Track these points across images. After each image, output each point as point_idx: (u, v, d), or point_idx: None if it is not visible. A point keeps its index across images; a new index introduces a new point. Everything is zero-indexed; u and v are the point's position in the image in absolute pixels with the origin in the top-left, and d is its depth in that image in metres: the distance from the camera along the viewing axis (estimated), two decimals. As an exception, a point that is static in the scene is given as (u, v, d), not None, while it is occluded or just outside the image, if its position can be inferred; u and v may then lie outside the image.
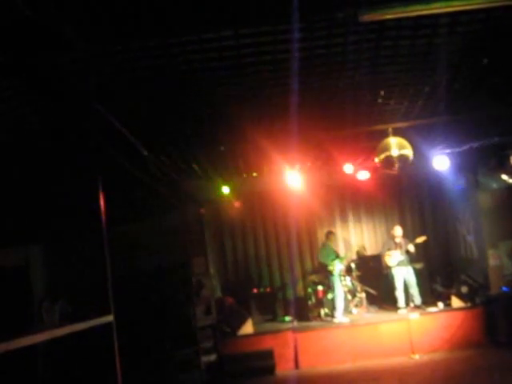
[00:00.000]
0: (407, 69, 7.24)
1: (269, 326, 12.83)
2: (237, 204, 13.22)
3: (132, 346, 7.43)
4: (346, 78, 7.28)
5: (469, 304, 11.87)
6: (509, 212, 11.88)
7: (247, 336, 11.67)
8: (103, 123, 6.62)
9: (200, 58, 6.21)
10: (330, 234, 13.14)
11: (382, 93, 7.90)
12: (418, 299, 12.39)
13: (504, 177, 10.98)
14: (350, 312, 12.99)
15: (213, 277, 12.12)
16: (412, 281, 12.45)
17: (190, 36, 5.66)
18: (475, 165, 11.90)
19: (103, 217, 6.30)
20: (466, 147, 10.38)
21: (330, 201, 14.67)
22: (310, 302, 13.22)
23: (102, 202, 6.33)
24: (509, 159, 10.25)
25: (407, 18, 5.75)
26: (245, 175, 11.23)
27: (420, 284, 12.62)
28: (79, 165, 6.22)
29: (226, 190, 11.62)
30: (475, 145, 10.22)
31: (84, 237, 6.22)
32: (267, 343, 11.41)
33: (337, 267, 12.44)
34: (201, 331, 10.23)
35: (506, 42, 6.69)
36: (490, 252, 12.12)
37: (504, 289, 11.72)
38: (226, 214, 14.44)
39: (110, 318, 6.15)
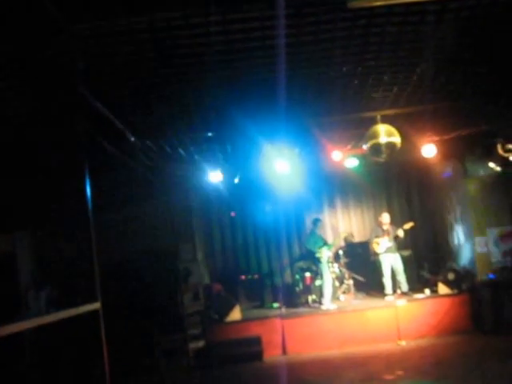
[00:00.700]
0: (396, 56, 7.22)
1: (256, 312, 12.85)
2: (225, 189, 13.18)
3: (119, 333, 7.42)
4: (334, 64, 7.25)
5: (455, 291, 11.94)
6: (496, 200, 11.94)
7: (235, 322, 11.69)
8: (89, 108, 6.57)
9: (188, 43, 6.15)
10: (317, 221, 13.15)
11: (371, 80, 7.88)
12: (405, 286, 12.45)
13: (491, 165, 11.03)
14: (338, 299, 13.04)
15: (201, 263, 12.11)
16: (399, 268, 12.51)
17: (177, 20, 5.61)
18: (463, 152, 11.93)
19: (90, 203, 6.27)
20: (453, 135, 10.40)
21: (318, 188, 14.66)
22: (297, 289, 13.26)
23: (88, 188, 6.30)
24: (496, 147, 10.28)
25: (396, 5, 5.72)
26: (233, 161, 11.18)
27: (407, 271, 12.69)
28: (66, 151, 6.17)
29: (214, 175, 11.57)
30: (463, 133, 10.24)
31: (71, 223, 6.20)
32: (255, 330, 11.43)
33: (325, 254, 12.46)
34: (188, 318, 10.23)
35: (495, 30, 6.68)
36: (477, 239, 12.19)
37: (490, 276, 11.80)
38: (214, 200, 14.41)
39: (96, 305, 6.14)
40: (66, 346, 5.66)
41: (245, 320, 11.87)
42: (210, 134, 9.41)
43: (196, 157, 10.47)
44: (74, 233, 6.17)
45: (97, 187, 6.54)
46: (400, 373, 9.01)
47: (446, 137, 10.56)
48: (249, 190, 13.90)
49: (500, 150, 10.22)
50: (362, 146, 10.02)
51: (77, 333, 5.85)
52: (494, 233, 12.08)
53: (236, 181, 11.58)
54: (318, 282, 12.79)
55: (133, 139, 8.14)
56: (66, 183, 6.08)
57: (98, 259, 6.21)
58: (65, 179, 6.13)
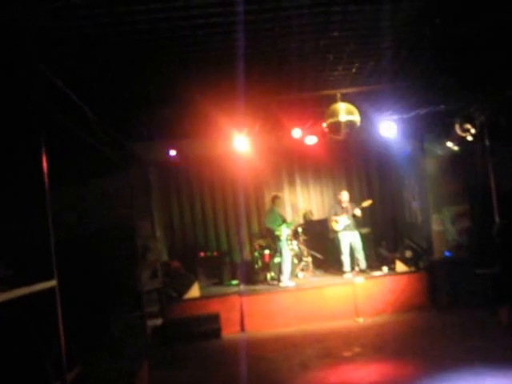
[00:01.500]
0: (356, 35, 7.18)
1: (215, 289, 12.84)
2: (184, 167, 13.08)
3: (75, 311, 7.32)
4: (294, 42, 7.18)
5: (412, 268, 12.11)
6: (453, 178, 12.09)
7: (193, 300, 11.66)
8: (47, 84, 6.40)
9: (146, 18, 6.02)
10: (276, 199, 13.12)
11: (331, 57, 7.83)
12: (363, 263, 12.57)
13: (449, 144, 11.13)
14: (296, 276, 13.11)
15: (159, 240, 12.02)
16: (358, 245, 12.62)
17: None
18: (421, 132, 12.04)
19: (46, 178, 6.13)
20: (412, 114, 10.46)
21: (277, 165, 14.69)
22: (256, 266, 13.30)
23: (44, 164, 6.16)
24: (454, 127, 10.37)
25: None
26: (192, 138, 11.07)
27: (366, 248, 12.81)
28: (21, 125, 6.01)
29: (172, 152, 11.45)
30: (422, 112, 10.30)
31: (26, 198, 6.05)
32: (213, 307, 11.43)
33: (284, 232, 12.48)
34: (146, 295, 10.14)
35: (455, 8, 6.69)
36: (434, 217, 12.36)
37: (446, 254, 11.99)
38: (173, 177, 14.33)
39: (53, 282, 6.03)
40: (20, 324, 5.55)
41: (203, 297, 11.86)
42: (168, 110, 9.28)
43: (155, 133, 10.33)
44: (29, 208, 6.02)
45: (54, 162, 6.40)
46: (357, 349, 9.10)
47: (405, 116, 10.61)
48: (208, 166, 13.84)
49: (458, 130, 10.31)
50: (321, 124, 10.00)
51: (32, 311, 5.73)
52: (450, 211, 12.26)
53: (172, 153, 11.44)
54: (276, 260, 12.82)
55: (91, 114, 7.96)
56: (21, 157, 5.92)
57: (53, 236, 6.10)
58: (20, 154, 5.96)
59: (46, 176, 6.11)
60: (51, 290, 5.99)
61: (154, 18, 6.04)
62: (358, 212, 12.63)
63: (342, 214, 12.68)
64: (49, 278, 5.94)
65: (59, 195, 7.16)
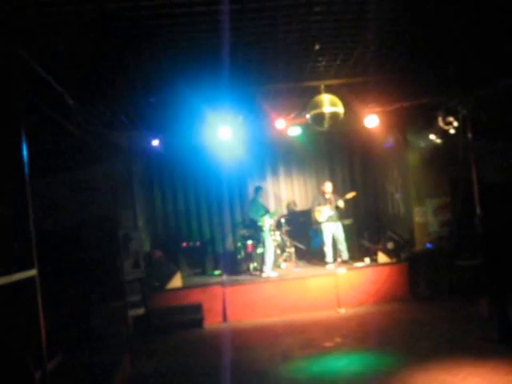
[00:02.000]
0: (340, 26, 7.19)
1: (198, 279, 12.82)
2: (167, 157, 13.02)
3: (57, 300, 7.31)
4: (279, 32, 7.17)
5: (394, 260, 12.18)
6: (435, 171, 12.15)
7: (175, 290, 11.64)
8: (27, 70, 6.34)
9: (131, 5, 5.98)
10: (258, 189, 13.10)
11: (317, 47, 7.81)
12: (345, 254, 12.62)
13: (432, 136, 11.18)
14: (279, 266, 13.15)
15: (141, 230, 11.97)
16: (340, 236, 12.65)
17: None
18: (404, 124, 12.07)
19: (26, 167, 6.08)
20: (396, 106, 10.49)
21: (261, 155, 14.67)
22: (239, 257, 13.30)
23: (25, 152, 6.11)
24: (437, 119, 10.41)
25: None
26: (175, 128, 11.02)
27: (348, 240, 12.85)
28: (1, 113, 5.95)
29: (156, 141, 11.40)
30: (405, 104, 10.34)
31: (6, 187, 6.00)
32: (196, 297, 11.42)
33: (267, 222, 12.49)
34: (128, 285, 10.11)
35: (438, 3, 6.71)
36: (416, 209, 12.43)
37: (428, 245, 12.07)
38: (156, 167, 14.27)
39: (33, 272, 6.00)
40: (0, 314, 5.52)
41: (186, 287, 11.84)
42: (152, 100, 9.24)
43: (138, 122, 10.27)
44: (9, 197, 5.97)
45: (35, 151, 6.35)
46: (339, 340, 9.16)
47: (388, 108, 10.64)
48: (191, 156, 13.80)
49: (441, 123, 10.36)
50: (305, 115, 10.01)
51: (12, 301, 5.70)
52: (432, 203, 12.33)
53: (155, 143, 11.38)
54: (259, 250, 12.84)
55: (72, 103, 7.90)
56: (0, 147, 5.86)
57: (34, 225, 6.06)
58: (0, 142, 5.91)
59: (26, 165, 6.07)
60: (31, 279, 5.97)
61: (138, 6, 6.00)
62: (341, 204, 12.65)
63: (325, 205, 12.70)
64: (29, 267, 5.91)
65: (40, 185, 7.13)
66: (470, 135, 9.69)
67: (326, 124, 9.37)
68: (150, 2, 5.94)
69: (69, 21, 6.22)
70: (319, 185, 14.04)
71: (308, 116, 9.60)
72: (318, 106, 9.25)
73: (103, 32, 6.62)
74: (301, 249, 13.84)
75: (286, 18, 6.71)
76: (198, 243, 14.11)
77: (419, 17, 7.03)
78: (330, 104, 9.23)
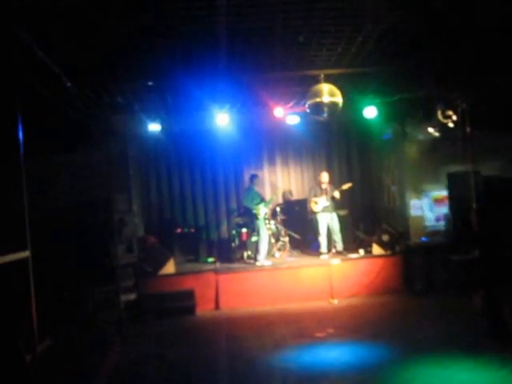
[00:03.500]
0: (342, 15, 7.11)
1: (191, 266, 12.80)
2: (163, 142, 12.94)
3: (48, 283, 7.25)
4: (279, 19, 7.08)
5: (389, 252, 12.15)
6: (432, 164, 12.11)
7: (168, 276, 11.61)
8: (24, 50, 6.26)
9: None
10: (254, 178, 13.04)
11: (316, 37, 7.75)
12: (340, 245, 12.60)
13: (430, 129, 11.15)
14: (273, 255, 13.12)
15: (136, 215, 11.92)
16: (335, 227, 12.63)
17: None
18: (403, 116, 12.02)
19: (22, 147, 6.02)
20: (395, 98, 10.45)
21: (258, 143, 14.63)
22: (233, 244, 13.27)
23: (20, 134, 6.05)
24: (436, 112, 10.38)
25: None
26: (173, 113, 10.96)
27: (343, 230, 12.84)
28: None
29: (152, 126, 11.33)
30: (404, 96, 10.29)
31: (0, 169, 5.95)
32: (188, 283, 11.40)
33: (261, 211, 12.44)
34: (121, 269, 10.06)
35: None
36: (412, 202, 12.39)
37: (423, 239, 12.05)
38: (152, 152, 14.19)
39: (26, 253, 5.95)
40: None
41: (178, 274, 11.81)
42: (150, 84, 9.17)
43: (135, 106, 10.21)
44: (2, 177, 5.92)
45: (30, 132, 6.29)
46: (331, 330, 9.15)
47: (387, 99, 10.60)
48: (188, 142, 13.75)
49: (440, 116, 10.33)
50: (304, 104, 9.95)
51: (3, 282, 5.66)
52: (428, 197, 12.31)
53: (152, 128, 11.31)
54: (253, 238, 12.81)
55: (69, 84, 7.83)
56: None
57: (28, 207, 6.00)
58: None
59: (21, 146, 6.01)
60: (24, 261, 5.92)
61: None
62: (336, 194, 12.61)
63: (322, 195, 12.66)
64: (22, 249, 5.86)
65: (35, 166, 7.06)
66: (468, 129, 9.65)
67: (325, 114, 9.32)
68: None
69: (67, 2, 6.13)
70: (316, 175, 13.98)
71: (307, 105, 9.54)
72: (317, 95, 9.18)
73: (101, 14, 6.53)
74: (295, 238, 13.81)
75: (287, 6, 6.62)
76: (192, 230, 14.09)
77: (419, 9, 6.96)
78: (329, 94, 9.16)
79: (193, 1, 6.26)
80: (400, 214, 13.01)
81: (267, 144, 14.90)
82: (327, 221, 12.64)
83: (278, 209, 13.79)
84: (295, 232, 13.86)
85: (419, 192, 12.32)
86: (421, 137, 11.97)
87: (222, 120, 10.76)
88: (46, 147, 9.14)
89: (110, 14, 6.51)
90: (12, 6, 5.67)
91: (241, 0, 6.34)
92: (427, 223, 12.29)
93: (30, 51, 6.36)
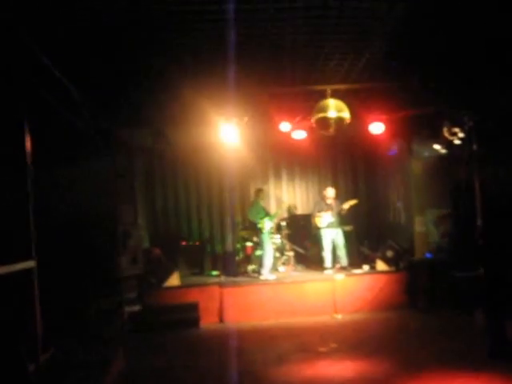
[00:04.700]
0: (350, 31, 7.17)
1: (195, 279, 12.80)
2: (170, 154, 12.99)
3: (52, 293, 7.27)
4: (288, 34, 7.16)
5: (393, 268, 12.13)
6: (437, 181, 12.10)
7: (173, 288, 11.62)
8: (34, 62, 6.32)
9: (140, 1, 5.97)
10: (259, 192, 13.07)
11: (324, 52, 7.81)
12: (344, 260, 12.59)
13: (436, 146, 11.15)
14: (277, 270, 13.11)
15: (141, 227, 11.95)
16: (340, 243, 12.62)
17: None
18: (409, 132, 12.03)
19: (29, 158, 6.07)
20: (401, 114, 10.48)
21: (264, 157, 14.66)
22: (238, 258, 13.27)
23: (27, 144, 6.10)
24: (442, 129, 10.39)
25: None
26: (180, 126, 11.02)
27: (348, 246, 12.82)
28: (4, 103, 5.93)
29: (159, 138, 11.37)
30: (411, 113, 10.32)
31: (7, 178, 5.99)
32: (193, 296, 11.40)
33: (266, 225, 12.46)
34: (126, 281, 10.10)
35: (446, 14, 6.70)
36: (417, 219, 12.38)
37: (427, 255, 12.03)
38: (159, 164, 14.25)
39: (31, 263, 5.98)
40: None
41: (183, 286, 11.82)
42: (157, 96, 9.24)
43: (142, 118, 10.27)
44: (9, 188, 5.96)
45: (37, 144, 6.34)
46: (334, 345, 9.11)
47: (393, 116, 10.63)
48: (194, 155, 13.80)
49: (446, 133, 10.34)
50: (310, 119, 10.00)
51: (8, 291, 5.69)
52: (433, 214, 12.28)
53: (159, 140, 11.34)
54: (258, 252, 12.81)
55: (78, 96, 7.90)
56: (2, 137, 5.85)
57: (34, 217, 6.04)
58: (3, 133, 5.90)
59: (28, 156, 6.05)
60: (29, 270, 5.95)
61: (148, 1, 5.99)
62: (346, 206, 12.62)
63: (327, 210, 12.67)
64: (28, 258, 5.89)
65: (41, 176, 7.10)
66: (475, 146, 9.67)
67: (332, 129, 9.36)
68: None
69: (78, 12, 6.20)
70: (321, 190, 13.99)
71: (313, 120, 9.59)
72: (323, 110, 9.24)
73: (111, 27, 6.61)
74: (300, 253, 13.80)
75: (298, 21, 6.68)
76: (197, 242, 14.11)
77: (427, 25, 7.01)
78: (335, 109, 9.22)
79: (202, 15, 6.34)
80: (405, 230, 13.01)
81: (273, 158, 14.95)
82: (332, 236, 12.64)
83: (283, 223, 13.80)
84: (300, 247, 13.86)
85: (424, 208, 12.31)
86: (426, 153, 11.98)
87: (229, 133, 10.80)
88: (52, 158, 9.20)
89: (120, 26, 6.60)
90: (20, 15, 5.74)
91: (249, 15, 6.40)
92: (431, 239, 12.27)
93: (38, 62, 6.42)
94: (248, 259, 13.08)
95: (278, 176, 15.08)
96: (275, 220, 13.31)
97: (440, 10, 6.60)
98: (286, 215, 14.63)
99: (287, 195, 15.10)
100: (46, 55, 6.39)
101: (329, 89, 9.40)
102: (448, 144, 10.70)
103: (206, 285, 11.87)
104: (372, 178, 15.03)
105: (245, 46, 7.36)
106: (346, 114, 9.29)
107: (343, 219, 13.00)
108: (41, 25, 6.15)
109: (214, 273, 13.35)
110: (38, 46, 6.15)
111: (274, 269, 12.92)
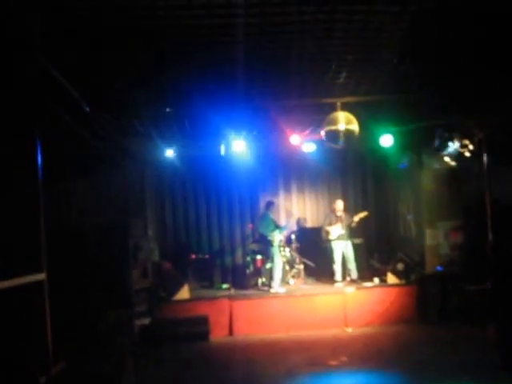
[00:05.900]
0: (359, 44, 7.19)
1: (205, 292, 12.79)
2: (180, 167, 13.01)
3: (63, 306, 7.28)
4: (297, 48, 7.18)
5: (403, 281, 12.08)
6: (448, 193, 12.06)
7: (183, 301, 11.62)
8: (45, 76, 6.37)
9: (148, 14, 6.01)
10: (269, 205, 13.08)
11: (333, 65, 7.83)
12: (354, 273, 12.55)
13: (446, 159, 11.12)
14: (287, 283, 13.08)
15: (151, 240, 11.97)
16: (350, 255, 12.59)
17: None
18: (419, 145, 12.01)
19: (40, 171, 6.09)
20: (411, 127, 10.47)
21: (274, 170, 14.68)
22: (248, 271, 13.25)
23: (39, 156, 6.13)
24: (452, 142, 10.37)
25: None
26: (190, 139, 11.05)
27: (358, 259, 12.78)
28: (16, 118, 5.97)
29: (169, 151, 11.42)
30: (420, 125, 10.31)
31: (18, 191, 6.02)
32: (203, 309, 11.38)
33: (276, 238, 12.45)
34: (136, 294, 10.11)
35: (457, 26, 6.70)
36: (428, 231, 12.32)
37: (438, 268, 11.96)
38: (169, 177, 14.27)
39: (41, 276, 5.99)
40: (6, 317, 5.51)
41: (193, 299, 11.82)
42: (168, 110, 9.28)
43: (152, 131, 10.31)
44: (20, 200, 5.98)
45: (48, 156, 6.37)
46: (344, 359, 9.09)
47: (403, 128, 10.62)
48: (204, 168, 13.82)
49: (456, 145, 10.32)
50: (320, 132, 10.01)
51: (19, 304, 5.70)
52: (444, 226, 12.22)
53: (169, 153, 11.37)
54: (268, 265, 12.79)
55: (88, 110, 7.94)
56: (14, 150, 5.88)
57: (45, 230, 6.06)
58: (14, 146, 5.93)
59: (39, 169, 6.08)
60: (40, 283, 5.96)
61: (156, 16, 6.03)
62: (356, 219, 12.60)
63: (336, 223, 12.66)
64: (38, 271, 5.90)
65: (52, 189, 7.14)
66: (485, 158, 9.64)
67: (341, 141, 9.36)
68: (167, 13, 5.97)
69: (88, 30, 6.25)
70: (331, 202, 13.98)
71: (323, 133, 9.60)
72: (333, 122, 9.25)
73: (122, 41, 6.65)
74: (310, 266, 13.77)
75: (307, 34, 6.71)
76: (206, 255, 14.10)
77: (437, 37, 7.02)
78: (345, 121, 9.22)
79: (212, 28, 6.37)
80: (415, 243, 12.94)
81: (283, 171, 14.94)
82: (342, 249, 12.61)
83: (292, 236, 13.78)
84: (310, 260, 13.82)
85: (435, 221, 12.25)
86: (437, 166, 11.95)
87: (239, 146, 10.83)
88: (64, 171, 9.25)
89: (130, 42, 6.64)
90: (33, 31, 5.79)
91: (258, 28, 6.43)
92: (442, 252, 12.19)
93: (49, 76, 6.46)
94: (258, 272, 13.06)
95: (287, 189, 15.06)
96: (285, 233, 13.29)
97: (448, 22, 6.61)
98: (295, 228, 14.61)
99: (297, 208, 15.07)
100: (57, 69, 6.43)
101: (338, 101, 9.41)
102: (458, 156, 10.67)
103: (215, 298, 11.86)
104: (382, 190, 14.98)
105: (254, 60, 7.38)
106: (355, 127, 9.28)
107: (353, 232, 12.97)
108: (51, 42, 6.19)
109: (224, 286, 13.34)
110: (52, 63, 6.20)
111: (285, 282, 12.89)
